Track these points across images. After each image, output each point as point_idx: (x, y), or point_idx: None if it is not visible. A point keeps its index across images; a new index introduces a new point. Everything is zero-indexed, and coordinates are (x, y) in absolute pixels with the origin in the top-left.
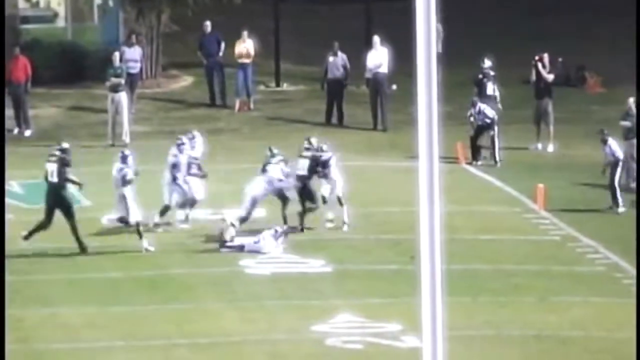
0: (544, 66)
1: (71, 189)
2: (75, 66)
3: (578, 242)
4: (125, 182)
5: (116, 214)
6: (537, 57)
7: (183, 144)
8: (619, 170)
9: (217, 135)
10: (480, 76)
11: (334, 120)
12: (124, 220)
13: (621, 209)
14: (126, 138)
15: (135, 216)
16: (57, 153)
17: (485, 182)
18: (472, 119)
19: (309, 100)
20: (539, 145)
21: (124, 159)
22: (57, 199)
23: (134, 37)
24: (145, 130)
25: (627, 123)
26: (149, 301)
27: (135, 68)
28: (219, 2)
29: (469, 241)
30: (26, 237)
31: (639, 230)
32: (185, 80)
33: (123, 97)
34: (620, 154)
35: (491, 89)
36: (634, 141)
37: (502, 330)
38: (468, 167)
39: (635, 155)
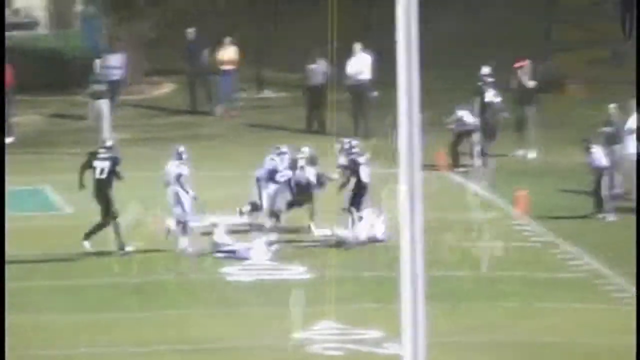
0: (525, 72)
1: (51, 195)
2: (57, 73)
3: (559, 249)
4: (181, 179)
5: (173, 213)
6: (518, 64)
7: (284, 152)
8: (605, 178)
9: (199, 141)
10: (480, 83)
11: (315, 126)
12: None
13: (611, 218)
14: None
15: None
16: (105, 151)
17: (466, 189)
18: (452, 125)
19: (291, 107)
20: (521, 152)
21: (180, 156)
22: (104, 195)
23: (115, 43)
24: (126, 137)
25: (608, 130)
26: (132, 308)
27: (117, 75)
28: (201, 9)
29: (451, 248)
30: (86, 236)
31: (639, 233)
32: (167, 87)
33: (105, 104)
34: (605, 162)
35: (491, 95)
36: (617, 147)
37: (484, 336)
38: (449, 173)
39: (617, 162)
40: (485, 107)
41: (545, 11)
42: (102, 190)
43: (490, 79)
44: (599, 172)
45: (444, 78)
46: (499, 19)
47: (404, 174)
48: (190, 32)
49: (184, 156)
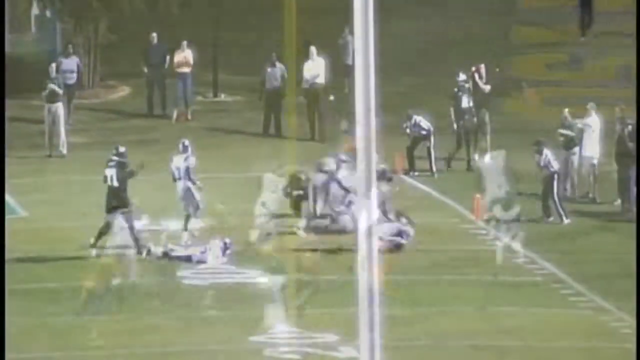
0: (480, 77)
1: (7, 198)
2: (13, 77)
3: (516, 252)
4: (190, 173)
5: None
6: (474, 68)
7: (344, 161)
8: (555, 182)
9: (154, 145)
10: (456, 89)
11: (272, 130)
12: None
13: (566, 221)
14: (63, 149)
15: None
16: (115, 158)
17: (423, 193)
18: (407, 130)
19: (247, 111)
20: (476, 156)
21: (185, 149)
22: (118, 202)
23: (71, 47)
24: (82, 141)
25: (568, 132)
26: (88, 312)
27: (72, 78)
28: (157, 13)
29: (407, 251)
30: (93, 245)
31: (639, 235)
32: (123, 91)
33: (60, 107)
34: (556, 165)
35: (466, 101)
36: (575, 150)
37: (441, 340)
38: (405, 177)
39: (575, 165)
40: (461, 113)
41: (504, 13)
42: (111, 198)
43: (467, 85)
44: (550, 175)
45: (403, 83)
46: (458, 22)
47: (361, 177)
48: (153, 36)
49: (189, 149)
